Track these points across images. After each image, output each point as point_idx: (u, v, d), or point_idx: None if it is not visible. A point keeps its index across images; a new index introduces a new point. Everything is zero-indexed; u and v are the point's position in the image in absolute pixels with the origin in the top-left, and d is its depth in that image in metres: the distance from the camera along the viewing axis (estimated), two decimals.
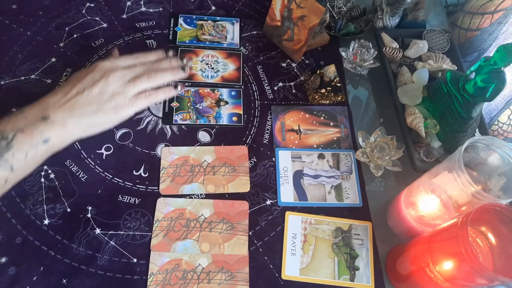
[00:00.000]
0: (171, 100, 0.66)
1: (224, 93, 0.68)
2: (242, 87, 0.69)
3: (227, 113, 0.66)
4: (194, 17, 0.75)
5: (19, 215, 0.54)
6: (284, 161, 0.62)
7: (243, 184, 0.59)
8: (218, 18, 0.76)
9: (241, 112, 0.66)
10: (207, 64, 0.70)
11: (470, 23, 0.75)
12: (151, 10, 0.75)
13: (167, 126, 0.64)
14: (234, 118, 0.65)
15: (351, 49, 0.71)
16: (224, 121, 0.65)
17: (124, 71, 0.56)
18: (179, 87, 0.60)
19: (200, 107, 0.66)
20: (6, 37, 0.68)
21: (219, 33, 0.74)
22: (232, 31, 0.75)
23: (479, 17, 0.74)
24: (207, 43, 0.73)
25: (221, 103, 0.67)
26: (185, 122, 0.64)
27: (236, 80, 0.70)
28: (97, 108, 0.53)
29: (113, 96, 0.53)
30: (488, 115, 0.72)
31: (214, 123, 0.64)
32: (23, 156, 0.49)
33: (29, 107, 0.52)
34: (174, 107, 0.65)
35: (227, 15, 0.77)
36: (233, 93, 0.68)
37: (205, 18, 0.76)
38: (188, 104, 0.66)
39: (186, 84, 0.68)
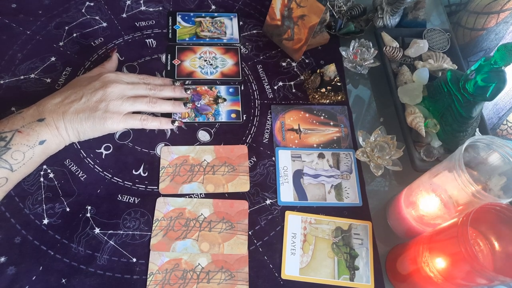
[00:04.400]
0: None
1: (222, 90, 0.68)
2: (241, 83, 0.69)
3: (226, 110, 0.66)
4: (192, 14, 0.75)
5: (18, 215, 0.54)
6: (284, 160, 0.62)
7: (242, 184, 0.59)
8: (216, 14, 0.76)
9: (240, 109, 0.66)
10: (205, 60, 0.70)
11: (475, 22, 0.75)
12: (150, 9, 0.75)
13: None
14: (233, 115, 0.65)
15: (351, 48, 0.71)
16: (223, 118, 0.65)
17: (127, 87, 0.57)
18: (176, 123, 0.61)
19: (199, 105, 0.66)
20: (6, 36, 0.68)
21: (218, 29, 0.74)
22: (231, 26, 0.75)
23: (484, 16, 0.73)
24: (207, 39, 0.73)
25: (219, 101, 0.67)
26: (184, 120, 0.64)
27: (236, 75, 0.69)
28: (88, 116, 0.54)
29: (107, 106, 0.55)
30: (496, 115, 0.71)
31: (213, 121, 0.64)
32: (21, 157, 0.50)
33: (27, 108, 0.53)
34: None
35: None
36: (231, 90, 0.68)
37: (203, 15, 0.76)
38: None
39: (187, 82, 0.68)
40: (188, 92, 0.63)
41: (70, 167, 0.58)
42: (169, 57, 0.70)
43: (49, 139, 0.52)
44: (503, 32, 0.71)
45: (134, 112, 0.59)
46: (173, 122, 0.61)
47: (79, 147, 0.60)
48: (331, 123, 0.66)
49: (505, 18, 0.70)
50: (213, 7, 0.77)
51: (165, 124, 0.61)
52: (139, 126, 0.59)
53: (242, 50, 0.73)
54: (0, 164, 0.49)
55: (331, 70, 0.69)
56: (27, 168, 0.52)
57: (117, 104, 0.55)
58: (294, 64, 0.72)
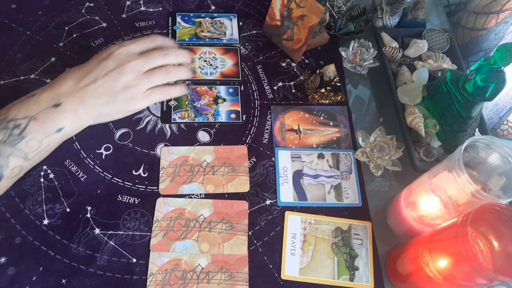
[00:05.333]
0: (169, 98, 0.65)
1: (222, 90, 0.68)
2: (241, 84, 0.69)
3: (225, 110, 0.66)
4: (191, 14, 0.75)
5: (19, 215, 0.54)
6: (284, 161, 0.62)
7: (242, 184, 0.59)
8: (215, 14, 0.76)
9: (239, 109, 0.66)
10: (205, 61, 0.70)
11: (475, 22, 0.75)
12: (150, 10, 0.75)
13: (167, 126, 0.63)
14: (233, 115, 0.65)
15: (351, 49, 0.71)
16: (222, 118, 0.65)
17: (140, 62, 0.52)
18: (189, 85, 0.57)
19: (198, 105, 0.66)
20: (6, 37, 0.68)
21: (217, 29, 0.74)
22: (230, 26, 0.75)
23: (484, 16, 0.74)
24: (207, 40, 0.73)
25: (219, 101, 0.67)
26: (184, 121, 0.64)
27: (235, 76, 0.70)
28: (109, 99, 0.50)
29: (126, 88, 0.51)
30: (496, 115, 0.71)
31: (212, 121, 0.64)
32: (37, 145, 0.47)
33: (40, 91, 0.49)
34: (172, 106, 0.65)
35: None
36: (230, 90, 0.68)
37: (203, 15, 0.76)
38: (186, 103, 0.66)
39: (187, 82, 0.68)
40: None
41: (70, 167, 0.58)
42: None
43: (66, 126, 0.49)
44: (503, 32, 0.71)
45: None
46: (188, 85, 0.57)
47: (79, 147, 0.60)
48: (331, 124, 0.66)
49: (505, 18, 0.70)
50: (213, 7, 0.77)
51: (183, 90, 0.56)
52: (162, 99, 0.55)
53: (241, 51, 0.73)
54: (14, 153, 0.46)
55: (330, 70, 0.69)
56: (42, 155, 0.49)
57: (134, 83, 0.51)
58: (293, 64, 0.72)
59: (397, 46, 0.71)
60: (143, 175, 0.59)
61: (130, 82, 0.51)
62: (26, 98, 0.49)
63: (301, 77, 0.71)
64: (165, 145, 0.62)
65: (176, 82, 0.57)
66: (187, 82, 0.59)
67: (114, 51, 0.52)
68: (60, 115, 0.48)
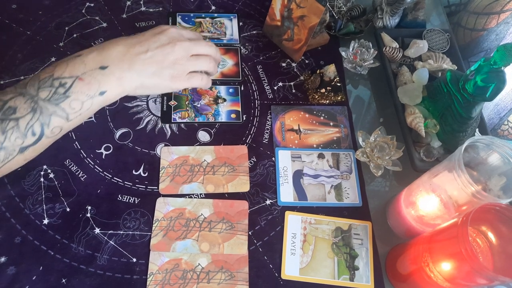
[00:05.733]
0: (169, 98, 0.65)
1: (222, 90, 0.68)
2: (241, 84, 0.69)
3: (225, 110, 0.66)
4: (192, 15, 0.75)
5: (19, 215, 0.54)
6: (284, 160, 0.62)
7: (242, 184, 0.59)
8: (215, 14, 0.76)
9: (239, 109, 0.66)
10: None
11: (475, 23, 0.75)
12: (151, 10, 0.75)
13: (167, 126, 0.63)
14: (233, 115, 0.65)
15: (351, 49, 0.71)
16: (222, 118, 0.65)
17: (190, 44, 0.54)
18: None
19: (199, 105, 0.66)
20: (6, 37, 0.68)
21: (218, 29, 0.74)
22: (230, 26, 0.75)
23: (484, 17, 0.73)
24: (207, 40, 0.73)
25: (219, 101, 0.67)
26: (184, 121, 0.64)
27: (236, 76, 0.70)
28: (155, 71, 0.51)
29: (173, 65, 0.52)
30: (497, 115, 0.71)
31: (213, 121, 0.64)
32: (79, 106, 0.47)
33: (88, 51, 0.49)
34: (172, 106, 0.65)
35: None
36: (230, 90, 0.68)
37: (203, 16, 0.76)
38: (186, 103, 0.66)
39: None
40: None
41: (70, 167, 0.58)
42: None
43: (110, 90, 0.49)
44: (504, 32, 0.71)
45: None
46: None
47: (79, 147, 0.60)
48: (331, 124, 0.66)
49: (506, 18, 0.70)
50: (213, 7, 0.77)
51: (210, 84, 0.59)
52: (199, 85, 0.57)
53: (242, 51, 0.73)
54: (57, 112, 0.46)
55: (331, 70, 0.69)
56: (83, 117, 0.49)
57: (182, 62, 0.53)
58: (294, 64, 0.72)
59: (397, 46, 0.71)
60: (143, 174, 0.59)
61: (178, 60, 0.53)
62: (72, 57, 0.48)
63: (301, 77, 0.71)
64: (165, 145, 0.62)
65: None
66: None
67: (168, 29, 0.54)
68: (106, 78, 0.48)
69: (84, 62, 0.48)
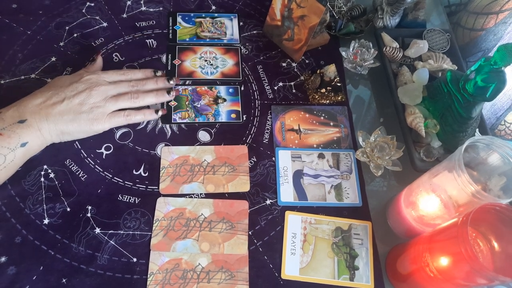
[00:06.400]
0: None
1: (222, 90, 0.68)
2: (241, 83, 0.69)
3: (226, 110, 0.66)
4: (192, 14, 0.75)
5: (19, 215, 0.54)
6: (284, 160, 0.62)
7: (243, 184, 0.59)
8: (216, 14, 0.76)
9: (240, 109, 0.66)
10: (206, 60, 0.70)
11: (475, 23, 0.75)
12: (151, 10, 0.75)
13: (167, 126, 0.63)
14: (233, 115, 0.65)
15: (351, 49, 0.71)
16: (223, 118, 0.65)
17: (108, 87, 0.57)
18: (160, 112, 0.61)
19: (199, 105, 0.66)
20: (6, 36, 0.68)
21: (218, 29, 0.74)
22: (231, 26, 0.75)
23: (483, 17, 0.74)
24: (207, 40, 0.73)
25: (219, 101, 0.67)
26: (184, 121, 0.64)
27: (236, 75, 0.70)
28: (73, 118, 0.54)
29: (91, 109, 0.55)
30: (494, 115, 0.71)
31: (213, 121, 0.64)
32: (2, 160, 0.50)
33: (6, 109, 0.53)
34: (173, 106, 0.65)
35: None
36: (230, 90, 0.68)
37: (203, 15, 0.76)
38: (186, 103, 0.66)
39: (187, 82, 0.68)
40: (171, 82, 0.63)
41: (70, 167, 0.58)
42: (169, 57, 0.70)
43: (31, 141, 0.52)
44: (501, 32, 0.71)
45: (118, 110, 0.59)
46: (156, 111, 0.61)
47: (79, 147, 0.60)
48: (331, 124, 0.66)
49: (503, 18, 0.70)
50: (213, 7, 0.77)
51: (149, 116, 0.61)
52: (125, 123, 0.59)
53: (242, 51, 0.73)
54: None
55: (331, 70, 0.69)
56: (8, 171, 0.52)
57: (101, 105, 0.56)
58: (294, 64, 0.72)
59: (398, 46, 0.71)
60: (143, 174, 0.59)
61: (96, 103, 0.56)
62: None
63: (302, 77, 0.71)
64: (166, 145, 0.62)
65: (150, 107, 0.62)
66: (157, 108, 0.62)
67: (85, 75, 0.57)
68: (25, 130, 0.51)
69: (2, 118, 0.51)
